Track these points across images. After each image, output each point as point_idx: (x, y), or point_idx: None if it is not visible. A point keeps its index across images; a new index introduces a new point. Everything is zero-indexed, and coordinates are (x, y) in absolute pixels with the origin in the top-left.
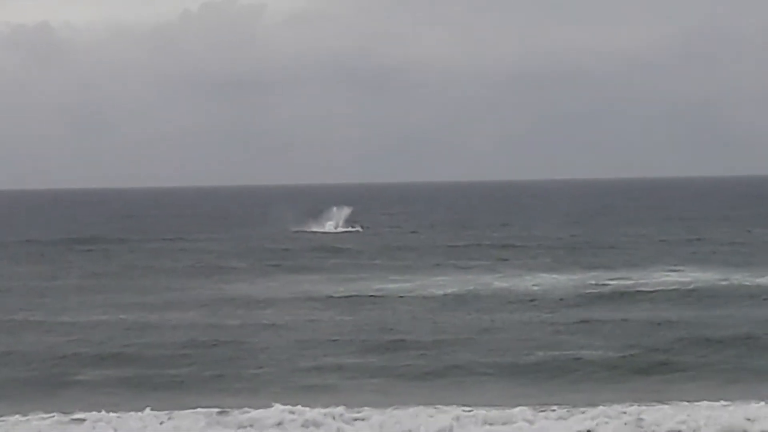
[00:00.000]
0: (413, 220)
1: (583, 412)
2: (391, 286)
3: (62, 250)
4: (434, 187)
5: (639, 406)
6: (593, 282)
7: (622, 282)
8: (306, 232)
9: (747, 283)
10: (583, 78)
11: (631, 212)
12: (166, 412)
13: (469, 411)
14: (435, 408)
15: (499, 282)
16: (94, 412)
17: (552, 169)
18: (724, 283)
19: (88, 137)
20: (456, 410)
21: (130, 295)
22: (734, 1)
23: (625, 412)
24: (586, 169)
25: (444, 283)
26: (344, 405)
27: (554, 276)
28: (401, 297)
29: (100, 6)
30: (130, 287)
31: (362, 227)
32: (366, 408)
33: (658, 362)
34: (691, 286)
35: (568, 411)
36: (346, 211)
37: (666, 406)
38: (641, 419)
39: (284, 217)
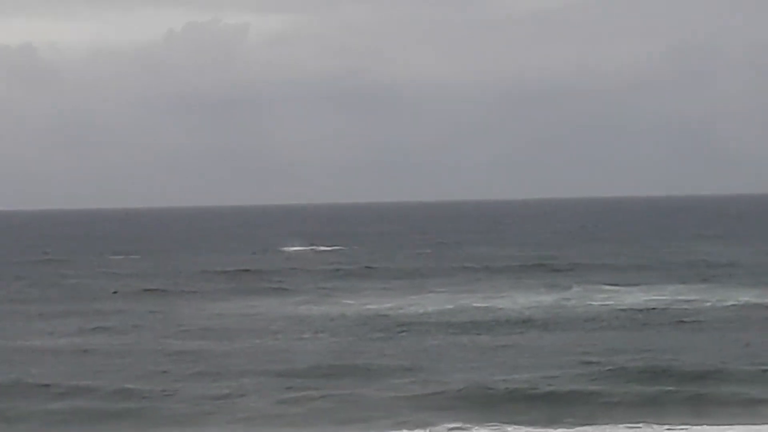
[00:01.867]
0: (391, 240)
1: None
2: (334, 309)
3: (16, 270)
4: (423, 206)
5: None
6: (546, 304)
7: (575, 303)
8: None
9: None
10: (577, 96)
11: (609, 232)
12: None
13: None
14: None
15: (451, 304)
16: None
17: (545, 188)
18: (690, 305)
19: (72, 158)
20: None
21: (75, 319)
22: (726, 18)
23: None
24: (579, 188)
25: (399, 305)
26: None
27: (506, 297)
28: (351, 318)
29: (84, 27)
30: (75, 311)
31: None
32: None
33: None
34: (643, 309)
35: None
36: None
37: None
38: None
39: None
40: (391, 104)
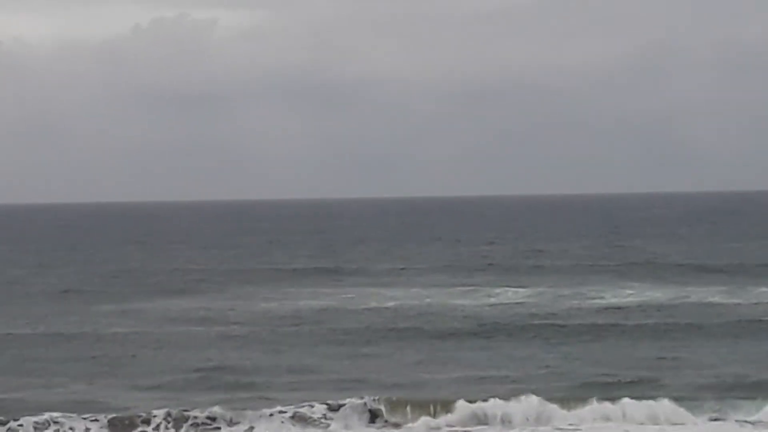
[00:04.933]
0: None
1: None
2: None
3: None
4: (387, 202)
5: None
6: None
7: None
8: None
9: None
10: (540, 93)
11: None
12: None
13: None
14: None
15: (336, 303)
16: None
17: (509, 184)
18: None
19: (37, 152)
20: None
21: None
22: (688, 17)
23: None
24: (542, 185)
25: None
26: None
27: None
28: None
29: (50, 21)
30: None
31: None
32: None
33: None
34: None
35: None
36: None
37: None
38: None
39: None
40: (357, 100)
